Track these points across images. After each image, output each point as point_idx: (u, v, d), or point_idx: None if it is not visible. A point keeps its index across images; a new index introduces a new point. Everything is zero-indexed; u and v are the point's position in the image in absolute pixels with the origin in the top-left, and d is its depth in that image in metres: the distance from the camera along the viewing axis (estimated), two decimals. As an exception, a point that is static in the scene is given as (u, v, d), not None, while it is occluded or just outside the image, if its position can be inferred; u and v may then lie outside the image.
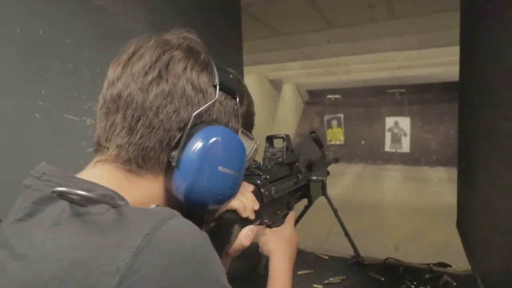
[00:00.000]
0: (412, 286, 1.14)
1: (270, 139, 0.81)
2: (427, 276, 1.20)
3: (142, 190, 0.45)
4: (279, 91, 7.91)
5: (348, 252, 1.40)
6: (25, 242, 0.36)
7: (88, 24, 0.97)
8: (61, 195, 0.35)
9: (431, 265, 1.26)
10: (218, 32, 1.58)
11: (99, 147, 0.47)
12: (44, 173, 0.42)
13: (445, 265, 1.30)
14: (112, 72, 0.46)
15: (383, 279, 1.20)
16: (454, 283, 1.14)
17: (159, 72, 0.44)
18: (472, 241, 1.33)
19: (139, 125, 0.44)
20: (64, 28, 0.90)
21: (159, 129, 0.44)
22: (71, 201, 0.36)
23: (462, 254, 1.41)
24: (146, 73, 0.44)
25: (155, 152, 0.44)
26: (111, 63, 0.48)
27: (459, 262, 1.32)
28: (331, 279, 1.21)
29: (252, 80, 6.23)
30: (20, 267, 0.34)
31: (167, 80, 0.44)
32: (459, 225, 1.64)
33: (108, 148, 0.45)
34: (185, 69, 0.46)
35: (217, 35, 1.54)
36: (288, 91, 8.32)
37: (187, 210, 0.46)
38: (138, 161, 0.44)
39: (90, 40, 0.97)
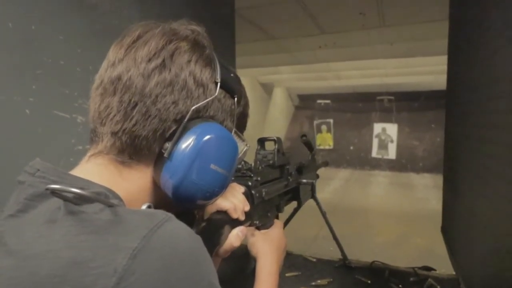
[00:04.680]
0: (398, 289, 1.16)
1: (261, 142, 0.82)
2: (412, 279, 1.22)
3: (133, 184, 0.45)
4: (270, 94, 7.95)
5: (335, 255, 1.42)
6: (17, 239, 0.35)
7: (82, 21, 0.96)
8: (55, 192, 0.35)
9: (416, 269, 1.28)
10: (211, 33, 1.58)
11: (94, 137, 0.46)
12: (38, 169, 0.41)
13: (429, 268, 1.32)
14: (113, 54, 0.46)
15: (369, 281, 1.21)
16: (438, 287, 1.17)
17: (163, 60, 0.44)
18: (456, 246, 1.36)
19: (135, 111, 0.43)
20: (57, 24, 0.89)
21: (155, 118, 0.43)
22: (65, 199, 0.35)
23: (445, 259, 1.44)
24: (149, 60, 0.44)
25: (147, 141, 0.44)
26: (113, 43, 0.47)
27: (443, 267, 1.35)
28: (318, 281, 1.22)
29: (243, 83, 6.23)
30: (13, 263, 0.33)
31: (170, 70, 0.44)
32: (444, 230, 1.67)
33: (102, 137, 0.44)
34: (189, 61, 0.45)
35: (210, 36, 1.54)
36: (279, 95, 8.37)
37: (172, 203, 0.46)
38: (130, 151, 0.44)
39: (84, 37, 0.96)
